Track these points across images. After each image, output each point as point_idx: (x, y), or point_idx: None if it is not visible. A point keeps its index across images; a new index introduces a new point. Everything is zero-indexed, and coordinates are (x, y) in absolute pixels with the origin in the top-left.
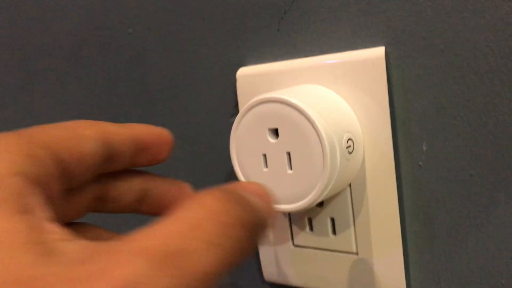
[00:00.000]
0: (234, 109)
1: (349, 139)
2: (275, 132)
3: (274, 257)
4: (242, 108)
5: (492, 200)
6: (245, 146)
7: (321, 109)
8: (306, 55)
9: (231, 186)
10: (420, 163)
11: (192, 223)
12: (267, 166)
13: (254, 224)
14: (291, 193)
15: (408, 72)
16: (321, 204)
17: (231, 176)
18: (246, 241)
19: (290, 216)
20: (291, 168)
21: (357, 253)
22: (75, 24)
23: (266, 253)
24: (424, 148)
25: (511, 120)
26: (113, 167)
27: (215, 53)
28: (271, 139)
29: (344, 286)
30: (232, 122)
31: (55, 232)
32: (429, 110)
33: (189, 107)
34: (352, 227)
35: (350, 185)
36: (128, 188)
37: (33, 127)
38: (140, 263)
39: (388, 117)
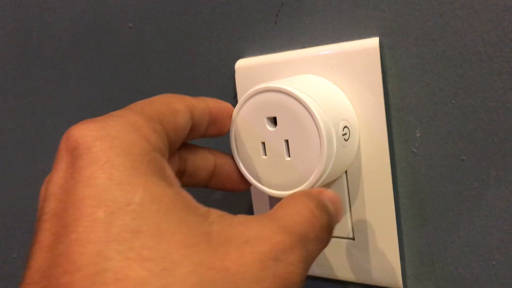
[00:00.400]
0: (232, 100)
1: (345, 126)
2: (274, 121)
3: None
4: (239, 100)
5: (483, 183)
6: (245, 134)
7: (317, 98)
8: (303, 46)
9: (316, 193)
10: (414, 149)
11: (307, 218)
12: (266, 154)
13: (332, 228)
14: (289, 180)
15: (401, 62)
16: None
17: None
18: (327, 242)
19: None
20: (289, 156)
21: (353, 238)
22: (75, 19)
23: None
24: (418, 135)
25: (500, 106)
26: (191, 137)
27: (214, 46)
28: (270, 128)
29: (341, 271)
30: None
31: (192, 199)
32: (422, 98)
33: None
34: (348, 213)
35: (346, 172)
36: (204, 164)
37: (135, 104)
38: (287, 238)
39: (383, 105)
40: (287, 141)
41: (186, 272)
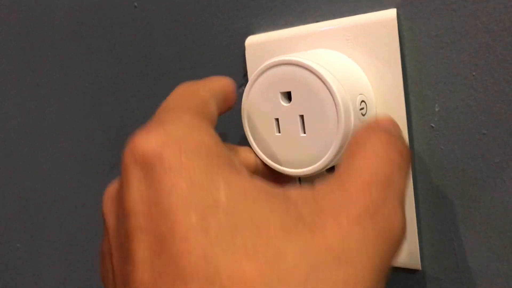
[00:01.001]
0: (243, 79)
1: (362, 101)
2: (288, 96)
3: None
4: (251, 76)
5: (505, 157)
6: (257, 111)
7: (333, 71)
8: (316, 21)
9: (375, 125)
10: (433, 124)
11: (383, 159)
12: (279, 131)
13: (406, 151)
14: (304, 157)
15: (419, 34)
16: (331, 170)
17: (243, 143)
18: (408, 165)
19: (300, 184)
20: (304, 132)
21: None
22: None
23: None
24: (437, 109)
25: None
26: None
27: (222, 22)
28: (284, 103)
29: None
30: (241, 92)
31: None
32: (441, 71)
33: (198, 79)
34: None
35: None
36: (246, 164)
37: (168, 103)
38: (374, 189)
39: (401, 79)
40: (302, 116)
41: (294, 258)
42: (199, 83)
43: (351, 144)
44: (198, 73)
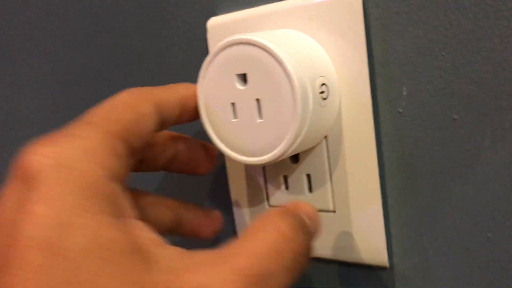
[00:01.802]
0: None
1: (323, 84)
2: (244, 78)
3: (249, 220)
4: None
5: (477, 145)
6: (213, 96)
7: (292, 51)
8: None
9: (292, 208)
10: (400, 109)
11: (274, 248)
12: (236, 116)
13: (310, 248)
14: (261, 144)
15: (386, 10)
16: (296, 160)
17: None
18: (306, 263)
19: (265, 175)
20: (261, 117)
21: (334, 211)
22: None
23: (241, 216)
24: (404, 93)
25: (496, 56)
26: (159, 130)
27: (183, 3)
28: (240, 86)
29: (320, 247)
30: None
31: (147, 237)
32: (409, 50)
33: (160, 63)
34: (328, 184)
35: (326, 137)
36: (163, 151)
37: (97, 112)
38: (239, 283)
39: (366, 60)
40: (258, 100)
41: None
42: (151, 92)
43: (262, 218)
44: (160, 58)
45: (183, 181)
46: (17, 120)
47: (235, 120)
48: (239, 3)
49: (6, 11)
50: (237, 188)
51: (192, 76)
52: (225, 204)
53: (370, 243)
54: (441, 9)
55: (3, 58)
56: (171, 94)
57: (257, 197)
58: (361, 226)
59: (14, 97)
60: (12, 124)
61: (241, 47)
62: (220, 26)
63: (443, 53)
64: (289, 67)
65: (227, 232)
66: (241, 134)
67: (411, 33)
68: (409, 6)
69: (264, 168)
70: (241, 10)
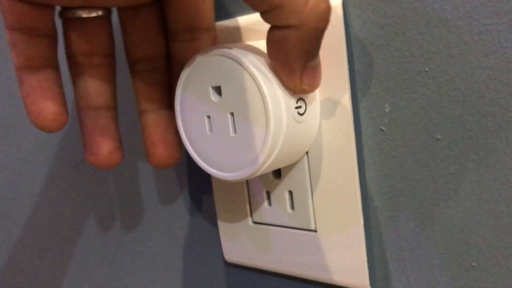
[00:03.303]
0: None
1: (300, 98)
2: (218, 91)
3: (233, 236)
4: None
5: (461, 167)
6: (190, 107)
7: (265, 65)
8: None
9: None
10: (382, 127)
11: None
12: (211, 129)
13: None
14: (234, 159)
15: (368, 22)
16: (278, 176)
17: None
18: None
19: (249, 190)
20: (235, 131)
21: (315, 231)
22: None
23: (226, 231)
24: (387, 110)
25: (481, 73)
26: None
27: None
28: (214, 99)
29: (300, 267)
30: None
31: None
32: (391, 65)
33: None
34: (310, 202)
35: (307, 153)
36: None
37: None
38: None
39: (347, 74)
40: (232, 114)
41: None
42: None
43: None
44: None
45: (168, 192)
46: (8, 127)
47: (210, 133)
48: (241, 9)
49: None
50: (222, 203)
51: None
52: (211, 218)
53: (352, 266)
54: (423, 22)
55: (2, 54)
56: None
57: (241, 212)
58: (342, 247)
59: (16, 94)
60: (14, 122)
61: (216, 59)
62: (224, 32)
63: (426, 69)
64: (261, 81)
65: (213, 245)
66: (216, 148)
67: (393, 47)
68: (391, 19)
69: (247, 182)
70: (241, 16)
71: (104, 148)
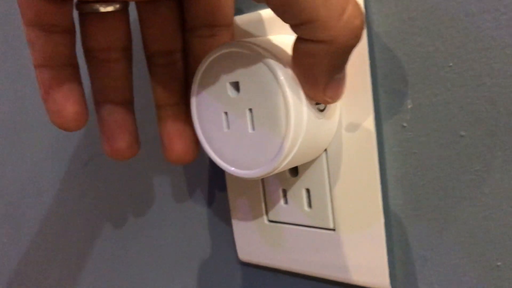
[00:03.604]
0: None
1: None
2: (236, 86)
3: (248, 235)
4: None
5: (486, 165)
6: (206, 103)
7: (286, 60)
8: None
9: None
10: (404, 124)
11: None
12: (228, 126)
13: None
14: (253, 156)
15: (390, 17)
16: (295, 173)
17: None
18: None
19: (264, 187)
20: (253, 128)
21: (334, 229)
22: None
23: (240, 230)
24: (409, 106)
25: (508, 69)
26: None
27: None
28: (232, 95)
29: (318, 267)
30: None
31: None
32: (414, 60)
33: None
34: (328, 200)
35: (326, 151)
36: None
37: None
38: None
39: (368, 70)
40: (251, 110)
41: None
42: None
43: None
44: None
45: (182, 191)
46: (19, 127)
47: (227, 130)
48: (252, 6)
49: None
50: (236, 201)
51: None
52: (226, 217)
53: (371, 265)
54: (447, 16)
55: (12, 51)
56: None
57: (256, 211)
58: (362, 246)
59: (23, 91)
60: (14, 129)
61: (234, 54)
62: (245, 25)
63: (451, 64)
64: (282, 77)
65: (227, 245)
66: (233, 145)
67: (416, 42)
68: (413, 13)
69: (263, 180)
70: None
71: (122, 141)
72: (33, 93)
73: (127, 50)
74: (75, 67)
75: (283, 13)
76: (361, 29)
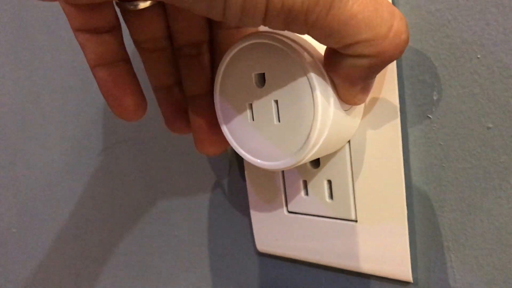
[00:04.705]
0: None
1: None
2: (262, 78)
3: (267, 225)
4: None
5: None
6: (231, 95)
7: (313, 52)
8: None
9: None
10: (430, 115)
11: None
12: (253, 118)
13: None
14: (278, 148)
15: (417, 9)
16: (317, 165)
17: None
18: None
19: (284, 178)
20: (279, 120)
21: (356, 221)
22: None
23: (258, 221)
24: (435, 97)
25: None
26: None
27: None
28: (258, 86)
29: (340, 258)
30: None
31: None
32: (440, 52)
33: None
34: (350, 191)
35: (349, 142)
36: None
37: None
38: None
39: (394, 61)
40: (276, 102)
41: None
42: None
43: None
44: None
45: (200, 182)
46: (35, 114)
47: (252, 121)
48: None
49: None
50: (255, 192)
51: None
52: (243, 208)
53: (393, 256)
54: (477, 7)
55: (25, 51)
56: None
57: (275, 202)
58: (384, 238)
59: (35, 90)
60: (29, 117)
61: (260, 45)
62: None
63: (478, 56)
64: (309, 68)
65: (244, 237)
66: (258, 137)
67: (443, 33)
68: (441, 4)
69: (283, 171)
70: None
71: (180, 122)
72: (46, 90)
73: (168, 38)
74: (127, 61)
75: (325, 42)
76: (407, 43)
